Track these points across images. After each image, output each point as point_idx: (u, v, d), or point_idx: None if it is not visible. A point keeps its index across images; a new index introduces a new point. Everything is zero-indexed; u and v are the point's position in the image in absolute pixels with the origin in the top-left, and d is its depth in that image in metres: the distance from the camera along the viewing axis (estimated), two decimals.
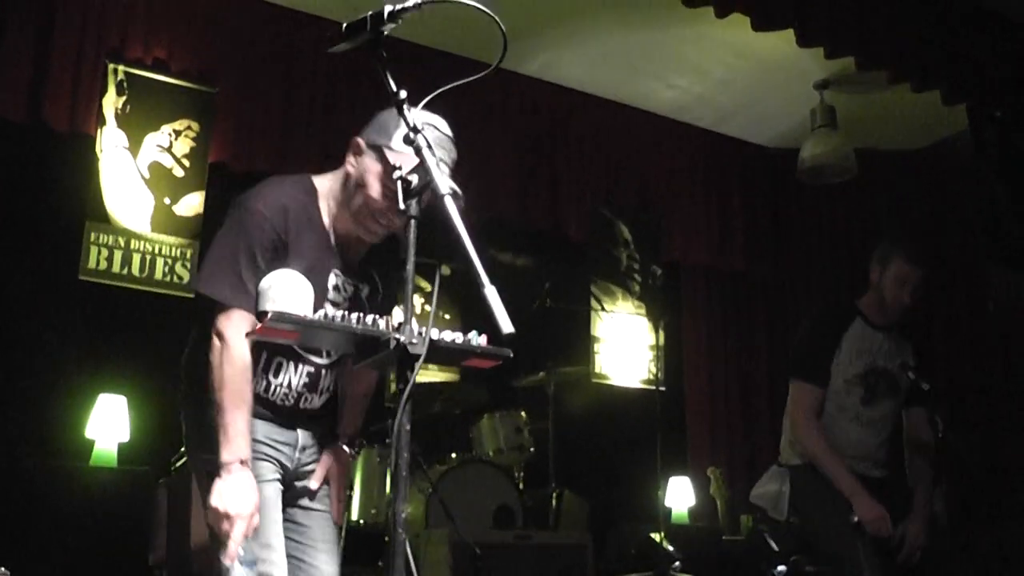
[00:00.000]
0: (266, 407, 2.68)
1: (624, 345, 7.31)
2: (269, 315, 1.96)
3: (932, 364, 7.03)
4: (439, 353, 2.08)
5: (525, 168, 6.88)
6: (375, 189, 2.62)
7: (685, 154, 7.62)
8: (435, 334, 2.05)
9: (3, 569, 2.18)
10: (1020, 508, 6.23)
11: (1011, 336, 6.96)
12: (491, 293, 1.90)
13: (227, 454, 2.43)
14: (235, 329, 2.49)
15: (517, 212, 6.80)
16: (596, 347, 7.21)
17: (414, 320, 2.03)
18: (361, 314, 2.05)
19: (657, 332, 6.91)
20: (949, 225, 7.46)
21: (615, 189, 7.32)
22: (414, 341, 2.00)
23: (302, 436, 2.79)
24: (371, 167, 2.63)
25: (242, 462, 2.44)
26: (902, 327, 4.49)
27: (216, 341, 2.51)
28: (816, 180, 6.92)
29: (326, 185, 2.75)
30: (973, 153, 6.23)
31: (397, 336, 1.99)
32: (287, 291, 2.38)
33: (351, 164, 2.70)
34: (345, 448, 2.95)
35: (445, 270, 5.64)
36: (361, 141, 2.69)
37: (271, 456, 2.69)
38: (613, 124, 7.32)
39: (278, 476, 2.70)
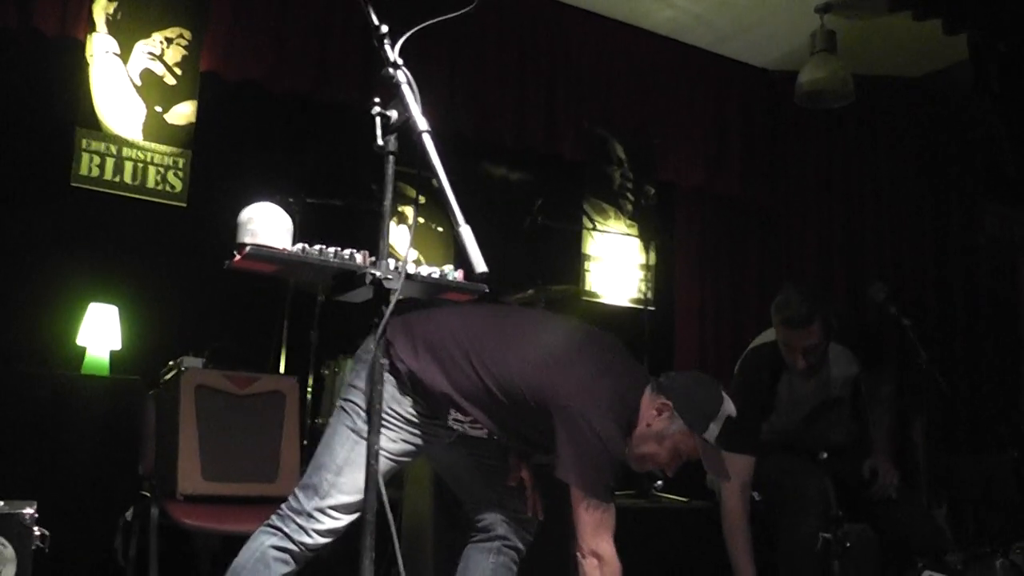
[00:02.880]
0: None
1: (615, 264, 7.32)
2: (247, 248, 1.98)
3: (922, 297, 7.11)
4: (415, 287, 2.10)
5: (520, 86, 6.81)
6: (672, 455, 2.99)
7: (683, 75, 7.55)
8: (411, 268, 2.07)
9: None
10: (1000, 440, 6.32)
11: (1001, 271, 6.99)
12: (466, 233, 1.92)
13: None
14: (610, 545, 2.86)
15: (512, 130, 6.74)
16: (587, 265, 7.22)
17: (390, 255, 2.05)
18: (338, 248, 2.07)
19: (648, 252, 6.93)
20: (944, 156, 7.44)
21: (611, 108, 7.26)
22: (389, 276, 2.01)
23: None
24: (680, 440, 2.97)
25: None
26: (842, 334, 4.36)
27: (592, 560, 2.84)
28: (814, 104, 6.87)
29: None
30: (972, 85, 6.17)
31: (373, 271, 2.01)
32: (267, 224, 2.39)
33: (655, 417, 2.97)
34: None
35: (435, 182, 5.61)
36: (675, 413, 2.96)
37: None
38: (610, 43, 7.23)
39: None
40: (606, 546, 2.80)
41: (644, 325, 6.21)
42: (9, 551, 2.16)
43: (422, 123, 2.01)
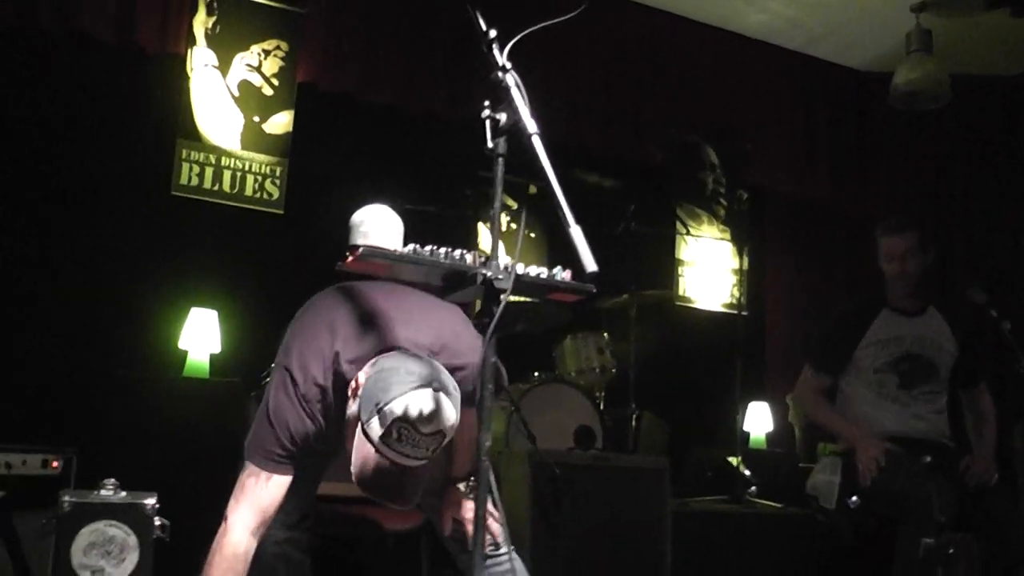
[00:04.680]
0: None
1: (708, 269, 7.30)
2: (360, 249, 2.01)
3: (1020, 301, 6.95)
4: (524, 288, 2.12)
5: (610, 92, 6.84)
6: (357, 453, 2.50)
7: (773, 78, 7.50)
8: (520, 269, 2.09)
9: (113, 480, 2.30)
10: None
11: None
12: (576, 232, 1.93)
13: None
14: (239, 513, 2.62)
15: (602, 137, 6.78)
16: (680, 270, 7.22)
17: (501, 255, 2.07)
18: (448, 248, 2.10)
19: (741, 257, 6.89)
20: None
21: (701, 113, 7.24)
22: (500, 276, 2.04)
23: None
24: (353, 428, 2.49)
25: None
26: (943, 307, 4.55)
27: (224, 524, 2.61)
28: (909, 106, 6.77)
29: None
30: None
31: (483, 271, 2.03)
32: (378, 226, 2.43)
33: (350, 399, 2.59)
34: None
35: (532, 189, 5.64)
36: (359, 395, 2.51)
37: None
38: (700, 47, 7.23)
39: None
40: (233, 513, 2.58)
41: (737, 330, 6.17)
42: (132, 539, 2.24)
43: (532, 126, 2.03)
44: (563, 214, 1.94)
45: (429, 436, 2.31)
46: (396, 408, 2.29)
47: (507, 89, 2.09)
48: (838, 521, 4.38)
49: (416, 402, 2.31)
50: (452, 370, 2.53)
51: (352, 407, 2.44)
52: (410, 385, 2.33)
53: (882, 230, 4.56)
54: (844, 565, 4.96)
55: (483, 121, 2.09)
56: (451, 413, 2.35)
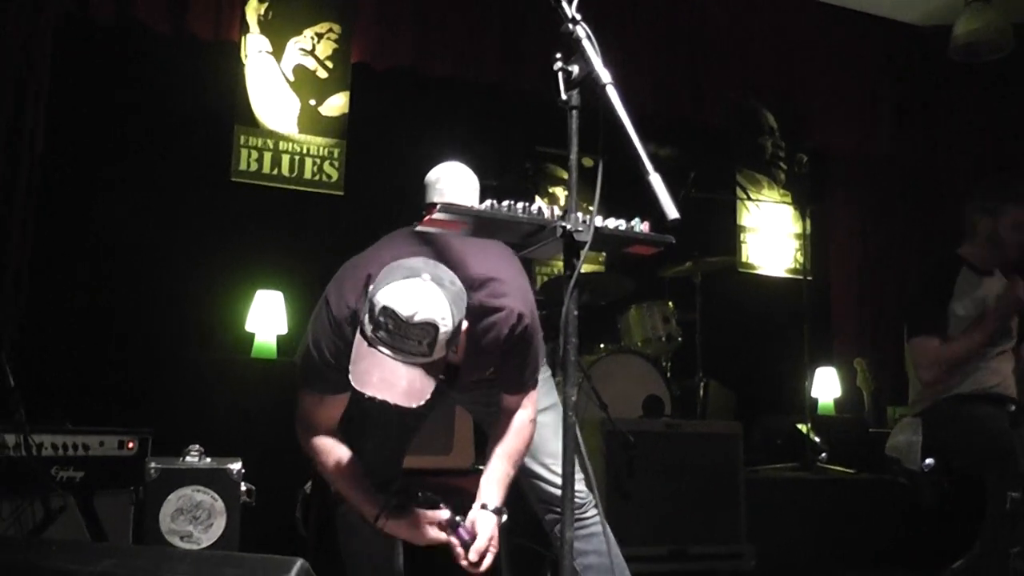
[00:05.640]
0: None
1: (770, 235, 7.23)
2: (438, 206, 2.00)
3: None
4: (603, 240, 2.09)
5: (667, 56, 6.78)
6: None
7: (830, 36, 7.41)
8: (599, 221, 2.07)
9: (197, 446, 2.32)
10: None
11: None
12: (655, 180, 1.90)
13: None
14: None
15: (660, 102, 6.72)
16: (742, 236, 7.16)
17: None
18: (527, 203, 2.08)
19: (804, 221, 6.80)
20: None
21: (758, 75, 7.16)
22: (580, 228, 2.02)
23: None
24: None
25: None
26: (1004, 266, 4.40)
27: None
28: (969, 58, 6.64)
29: None
30: None
31: (563, 224, 2.02)
32: (454, 183, 2.41)
33: None
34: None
35: (586, 161, 5.63)
36: None
37: None
38: (757, 7, 7.14)
39: None
40: (305, 440, 2.66)
41: (802, 295, 6.10)
42: (219, 504, 2.25)
43: (605, 76, 1.99)
44: (641, 163, 1.91)
45: (417, 327, 2.24)
46: (382, 298, 2.25)
47: (578, 41, 2.06)
48: (922, 482, 4.30)
49: (402, 291, 2.26)
50: (488, 311, 2.51)
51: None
52: (400, 276, 2.29)
53: (1015, 195, 4.30)
54: (921, 528, 4.92)
55: (555, 74, 2.06)
56: (441, 305, 2.27)
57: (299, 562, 1.74)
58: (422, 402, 2.26)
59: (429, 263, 2.37)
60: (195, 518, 2.22)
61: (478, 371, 2.69)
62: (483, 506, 2.61)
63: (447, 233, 2.25)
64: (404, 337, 2.25)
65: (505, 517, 2.62)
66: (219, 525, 2.24)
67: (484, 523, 2.58)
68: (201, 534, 2.21)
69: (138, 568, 1.80)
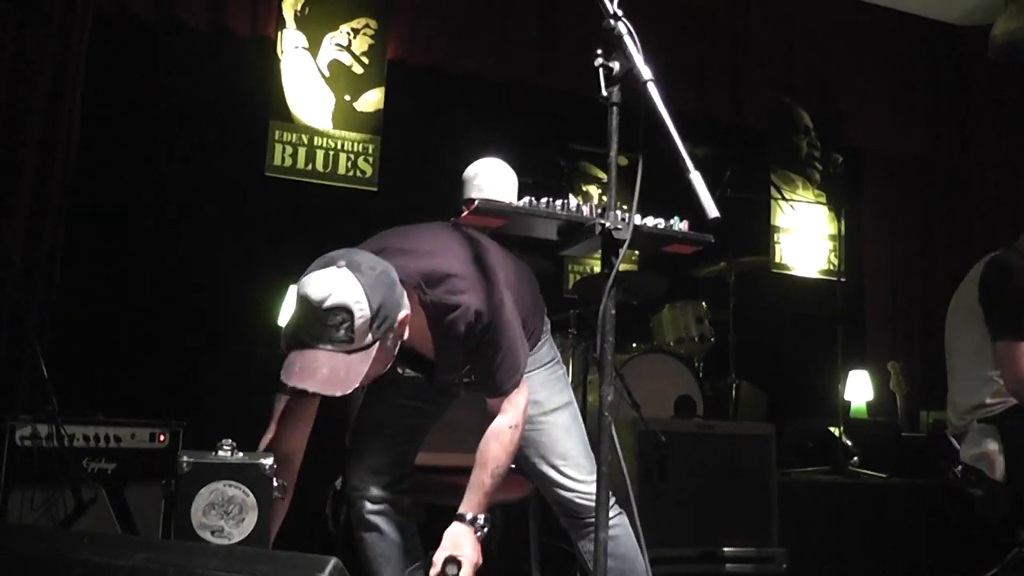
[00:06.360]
0: None
1: (804, 235, 7.18)
2: (476, 203, 1.99)
3: None
4: (642, 238, 2.08)
5: (703, 56, 6.75)
6: None
7: (867, 36, 7.36)
8: (638, 219, 2.05)
9: (229, 440, 2.31)
10: None
11: None
12: (696, 178, 1.89)
13: None
14: None
15: (695, 102, 6.69)
16: (777, 237, 7.11)
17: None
18: (565, 200, 2.06)
19: (839, 221, 6.74)
20: None
21: (794, 74, 7.11)
22: (619, 226, 2.00)
23: None
24: None
25: None
26: None
27: None
28: (1009, 58, 6.53)
29: None
30: None
31: (602, 221, 2.00)
32: (493, 180, 2.40)
33: None
34: None
35: (622, 160, 5.60)
36: None
37: None
38: (792, 7, 7.08)
39: None
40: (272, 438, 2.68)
41: (835, 296, 6.05)
42: (251, 499, 2.24)
43: (646, 72, 1.98)
44: (682, 160, 1.90)
45: (329, 312, 2.23)
46: (300, 287, 2.28)
47: (620, 37, 2.04)
48: (1001, 494, 4.14)
49: (316, 278, 2.27)
50: (445, 307, 2.48)
51: None
52: (320, 265, 2.31)
53: None
54: (952, 536, 4.87)
55: (596, 70, 2.04)
56: (354, 289, 2.26)
57: (333, 560, 1.72)
58: (348, 391, 2.25)
59: (352, 251, 2.38)
60: (227, 513, 2.21)
61: (453, 369, 2.67)
62: (458, 517, 2.59)
63: (431, 228, 2.26)
64: (322, 324, 2.24)
65: (485, 527, 2.57)
66: (251, 520, 2.22)
67: (457, 536, 2.55)
68: (232, 529, 2.20)
69: (170, 563, 1.79)
